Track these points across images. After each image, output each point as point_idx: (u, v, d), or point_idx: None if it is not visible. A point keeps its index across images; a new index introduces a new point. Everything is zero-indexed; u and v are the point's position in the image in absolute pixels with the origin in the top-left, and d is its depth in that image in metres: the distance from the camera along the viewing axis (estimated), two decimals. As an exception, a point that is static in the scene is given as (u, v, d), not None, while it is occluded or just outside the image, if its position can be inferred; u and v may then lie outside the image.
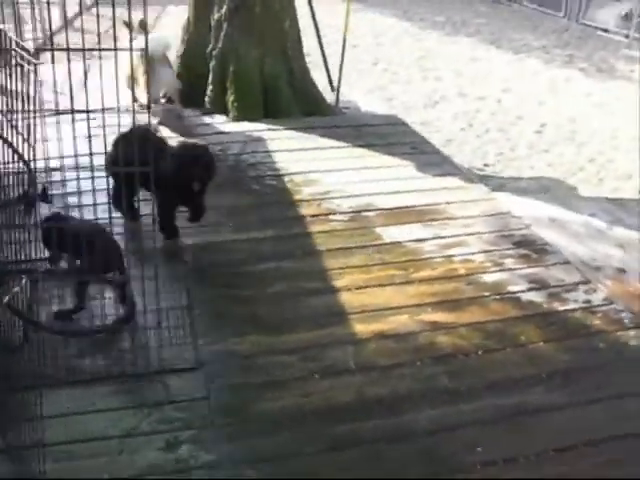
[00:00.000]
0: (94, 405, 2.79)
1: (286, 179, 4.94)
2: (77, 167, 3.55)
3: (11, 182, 4.65)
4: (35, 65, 2.79)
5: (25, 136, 3.73)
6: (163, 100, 6.08)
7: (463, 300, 3.55)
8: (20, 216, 3.59)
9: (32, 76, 3.27)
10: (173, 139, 5.52)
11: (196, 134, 5.66)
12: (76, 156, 3.41)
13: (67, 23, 7.17)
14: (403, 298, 3.55)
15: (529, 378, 3.00)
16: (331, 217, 4.39)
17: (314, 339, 3.22)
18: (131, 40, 5.35)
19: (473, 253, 3.99)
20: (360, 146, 5.53)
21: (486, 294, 3.60)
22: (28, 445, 2.51)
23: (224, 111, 6.03)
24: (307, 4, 6.52)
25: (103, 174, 3.59)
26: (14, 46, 3.00)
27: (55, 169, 4.18)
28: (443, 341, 3.22)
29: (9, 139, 4.44)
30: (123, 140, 3.81)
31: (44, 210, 3.74)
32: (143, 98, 6.01)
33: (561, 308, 3.52)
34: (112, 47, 5.98)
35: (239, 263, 3.87)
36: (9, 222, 3.49)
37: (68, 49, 4.88)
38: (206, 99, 6.09)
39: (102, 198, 3.43)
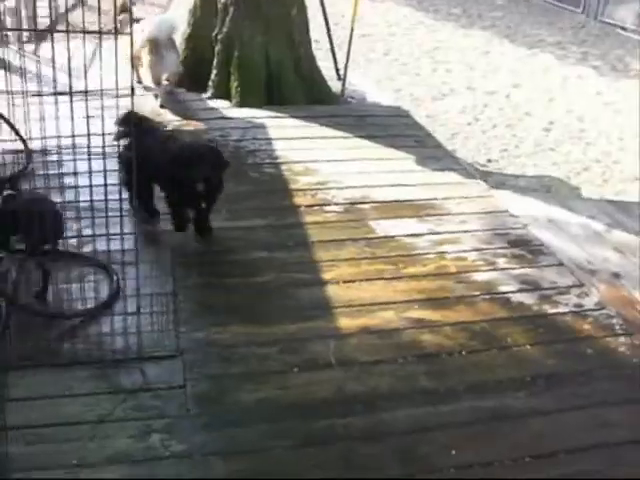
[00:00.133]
0: (71, 389, 2.78)
1: (284, 167, 4.89)
2: (74, 147, 3.54)
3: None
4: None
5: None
6: (166, 82, 6.03)
7: (452, 298, 3.50)
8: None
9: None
10: (175, 122, 5.52)
11: (197, 118, 5.64)
12: (73, 136, 3.40)
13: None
14: (391, 293, 3.51)
15: (512, 381, 2.96)
16: (325, 208, 4.35)
17: (297, 332, 3.19)
18: (131, 23, 5.34)
19: (466, 251, 3.94)
20: (362, 137, 5.47)
21: (476, 293, 3.55)
22: (-1, 427, 2.51)
23: (227, 96, 5.97)
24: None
25: (99, 155, 3.57)
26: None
27: (45, 151, 4.20)
28: (427, 339, 3.18)
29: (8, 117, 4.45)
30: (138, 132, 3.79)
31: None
32: (147, 80, 5.98)
33: (551, 311, 3.47)
34: (117, 28, 5.94)
35: (229, 251, 3.85)
36: None
37: (67, 31, 4.86)
38: (210, 83, 6.04)
39: (99, 179, 3.40)
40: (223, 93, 6.00)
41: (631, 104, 7.57)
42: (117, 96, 2.91)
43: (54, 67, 4.47)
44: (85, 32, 4.59)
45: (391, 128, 5.70)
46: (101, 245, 3.43)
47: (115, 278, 3.37)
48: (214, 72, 6.02)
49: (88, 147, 3.42)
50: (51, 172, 4.39)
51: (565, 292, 3.62)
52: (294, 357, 3.01)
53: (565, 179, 5.68)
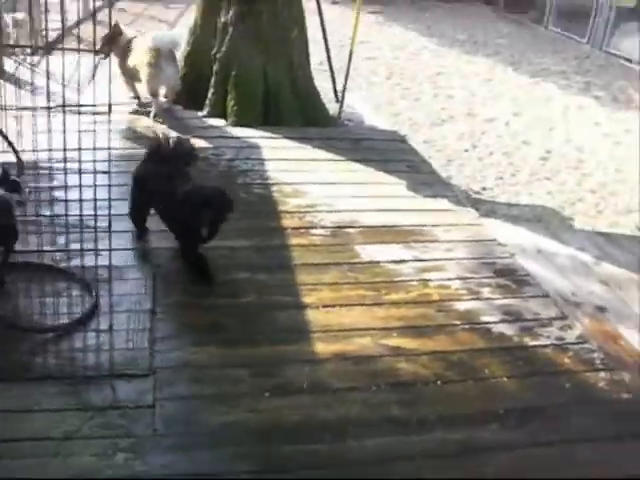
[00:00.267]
0: (40, 404, 2.76)
1: (274, 189, 4.90)
2: (65, 161, 3.55)
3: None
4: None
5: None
6: (164, 99, 6.07)
7: (431, 327, 3.48)
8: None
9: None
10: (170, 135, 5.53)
11: (191, 135, 5.64)
12: (65, 150, 3.41)
13: (65, 26, 7.21)
14: (370, 320, 3.49)
15: (484, 414, 2.92)
16: (312, 231, 4.34)
17: (272, 355, 3.17)
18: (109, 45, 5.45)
19: (450, 279, 3.92)
20: (355, 160, 5.48)
21: (456, 322, 3.53)
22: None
23: (224, 115, 6.01)
24: (317, 14, 6.48)
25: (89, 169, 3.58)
26: None
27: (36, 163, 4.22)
28: (403, 368, 3.16)
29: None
30: (153, 157, 3.95)
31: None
32: (145, 93, 6.03)
33: (532, 343, 3.44)
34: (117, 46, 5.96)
35: (211, 272, 3.83)
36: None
37: (63, 49, 4.88)
38: (207, 102, 6.07)
39: (89, 194, 3.41)
40: (220, 112, 6.03)
41: (631, 136, 7.57)
42: (95, 113, 2.87)
43: (48, 82, 4.50)
44: (80, 50, 4.66)
45: (386, 153, 5.72)
46: (86, 261, 3.42)
47: (93, 294, 3.37)
48: (211, 90, 6.06)
49: (79, 162, 3.45)
50: (41, 185, 4.45)
51: (547, 324, 3.59)
52: (267, 381, 2.99)
53: (558, 209, 5.66)
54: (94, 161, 3.70)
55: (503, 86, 9.28)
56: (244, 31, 5.88)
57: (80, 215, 3.69)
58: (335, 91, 6.84)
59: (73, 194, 3.60)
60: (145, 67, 5.67)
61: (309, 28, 6.34)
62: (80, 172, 3.62)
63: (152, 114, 5.85)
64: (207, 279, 3.67)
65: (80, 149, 3.42)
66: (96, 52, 5.67)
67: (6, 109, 4.32)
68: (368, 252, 4.14)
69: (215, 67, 6.02)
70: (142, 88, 6.05)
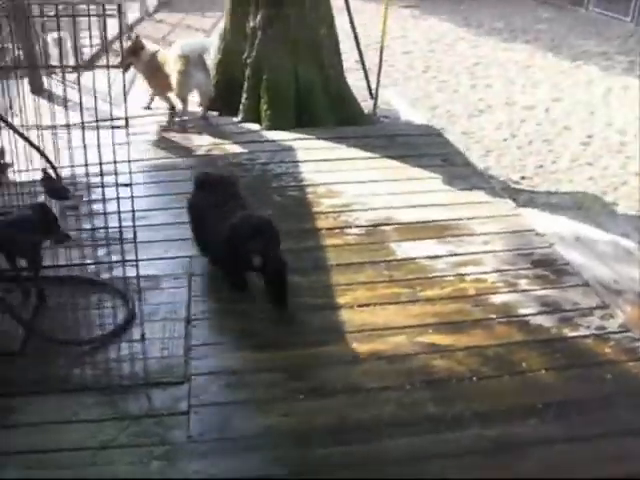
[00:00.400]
0: (77, 415, 2.81)
1: (309, 190, 4.90)
2: (102, 175, 3.62)
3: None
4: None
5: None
6: (198, 107, 6.14)
7: (467, 322, 3.43)
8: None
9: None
10: (205, 146, 5.60)
11: (226, 141, 5.70)
12: (101, 164, 3.48)
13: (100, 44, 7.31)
14: (405, 318, 3.46)
15: (522, 408, 2.87)
16: (347, 231, 4.33)
17: (305, 357, 3.17)
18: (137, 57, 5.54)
19: (487, 272, 3.87)
20: (390, 157, 5.44)
21: (492, 316, 3.47)
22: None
23: (258, 120, 6.03)
24: (346, 12, 6.46)
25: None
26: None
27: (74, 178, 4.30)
28: (438, 365, 3.12)
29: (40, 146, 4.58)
30: (205, 185, 3.93)
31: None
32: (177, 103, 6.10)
33: (571, 334, 3.36)
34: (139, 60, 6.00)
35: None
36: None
37: (93, 67, 4.94)
38: (241, 107, 6.11)
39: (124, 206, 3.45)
40: (254, 116, 6.05)
41: (677, 116, 7.36)
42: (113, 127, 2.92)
43: (81, 98, 4.58)
44: (109, 67, 4.74)
45: (421, 147, 5.66)
46: (123, 272, 3.47)
47: (130, 304, 3.42)
48: (244, 96, 6.09)
49: (115, 174, 3.48)
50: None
51: (587, 314, 3.51)
52: (300, 383, 2.99)
53: (600, 195, 5.53)
54: (130, 173, 3.77)
55: (542, 72, 9.11)
56: (273, 34, 5.89)
57: (106, 227, 3.79)
58: (369, 88, 6.81)
59: (108, 206, 3.69)
60: (175, 75, 5.74)
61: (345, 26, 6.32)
62: (117, 184, 3.66)
63: (167, 121, 5.93)
64: (280, 305, 3.52)
65: (115, 162, 3.45)
66: (114, 67, 5.77)
67: (41, 128, 4.41)
68: (403, 249, 4.11)
69: (247, 72, 6.05)
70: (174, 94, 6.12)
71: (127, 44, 5.90)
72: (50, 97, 6.00)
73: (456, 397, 2.94)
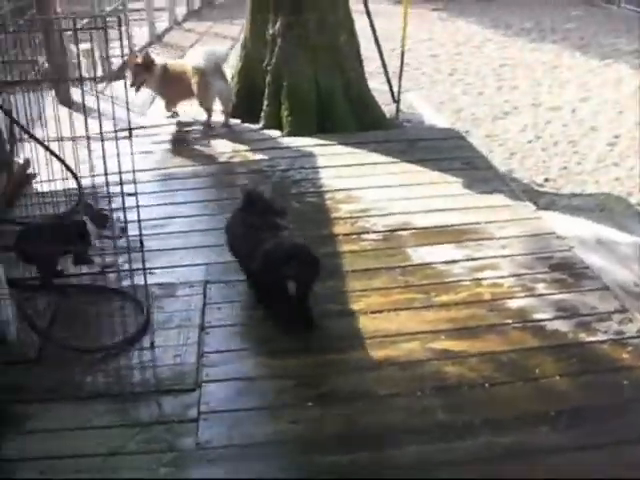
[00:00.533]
0: (90, 422, 2.85)
1: (327, 196, 4.90)
2: (121, 184, 3.66)
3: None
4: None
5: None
6: (222, 117, 6.20)
7: (481, 327, 3.40)
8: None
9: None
10: (226, 154, 5.63)
11: (247, 148, 5.73)
12: (120, 173, 3.52)
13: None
14: (418, 324, 3.44)
15: (534, 415, 2.82)
16: (363, 236, 4.32)
17: (316, 365, 3.17)
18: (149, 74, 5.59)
19: (503, 277, 3.82)
20: (410, 161, 5.42)
21: (507, 322, 3.43)
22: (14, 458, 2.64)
23: (279, 126, 6.06)
24: (366, 16, 6.45)
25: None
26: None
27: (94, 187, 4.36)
28: (449, 371, 3.10)
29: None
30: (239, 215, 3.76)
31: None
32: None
33: (588, 339, 3.30)
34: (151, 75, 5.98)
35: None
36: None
37: (109, 79, 5.02)
38: (262, 114, 6.14)
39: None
40: (275, 123, 6.08)
41: None
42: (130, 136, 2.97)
43: (99, 110, 4.63)
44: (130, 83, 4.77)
45: (442, 151, 5.63)
46: (140, 280, 3.50)
47: (144, 312, 3.46)
48: (265, 102, 6.13)
49: (134, 182, 3.51)
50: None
51: (606, 318, 3.45)
52: (310, 390, 2.99)
53: (625, 196, 5.43)
54: (134, 182, 3.79)
55: (570, 72, 9.00)
56: (292, 41, 5.93)
57: (120, 236, 3.83)
58: (392, 92, 6.79)
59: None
60: (195, 87, 5.79)
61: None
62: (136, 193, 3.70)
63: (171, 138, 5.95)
64: (307, 326, 3.43)
65: (134, 171, 3.48)
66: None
67: (63, 140, 4.48)
68: (419, 254, 4.08)
69: (267, 79, 6.09)
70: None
71: (135, 59, 5.96)
72: (77, 108, 6.13)
73: (467, 404, 2.91)
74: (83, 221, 3.69)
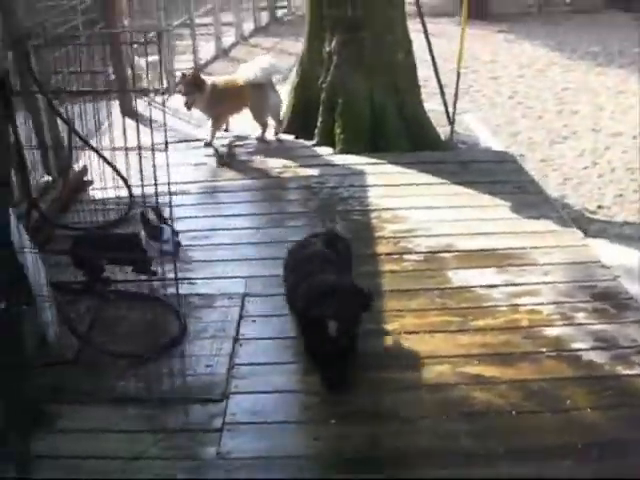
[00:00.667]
0: (117, 425, 2.93)
1: (373, 215, 4.91)
2: (170, 194, 3.76)
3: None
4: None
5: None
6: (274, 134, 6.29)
7: (515, 354, 3.35)
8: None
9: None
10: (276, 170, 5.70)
11: (298, 164, 5.79)
12: (169, 184, 3.61)
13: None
14: (451, 347, 3.41)
15: (560, 447, 2.76)
16: (405, 257, 4.31)
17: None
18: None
19: (542, 304, 3.76)
20: (460, 183, 5.37)
21: (542, 350, 3.37)
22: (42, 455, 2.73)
23: (332, 143, 6.09)
24: (424, 37, 6.45)
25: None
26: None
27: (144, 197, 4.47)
28: (478, 397, 3.06)
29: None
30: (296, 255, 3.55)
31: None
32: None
33: (624, 372, 3.22)
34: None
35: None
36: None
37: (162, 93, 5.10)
38: (316, 130, 6.20)
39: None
40: (329, 140, 6.11)
41: None
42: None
43: (151, 121, 4.75)
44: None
45: (494, 174, 5.56)
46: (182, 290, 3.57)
47: (182, 321, 3.53)
48: (320, 119, 6.17)
49: (169, 194, 3.60)
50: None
51: (645, 352, 3.36)
52: (334, 408, 3.00)
53: (681, 226, 5.28)
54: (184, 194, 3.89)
55: (635, 98, 8.77)
56: (348, 58, 5.97)
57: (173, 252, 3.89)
58: (447, 113, 6.76)
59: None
60: (250, 100, 5.90)
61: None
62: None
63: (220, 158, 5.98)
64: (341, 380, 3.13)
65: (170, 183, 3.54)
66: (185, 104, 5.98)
67: (115, 149, 4.62)
68: (460, 277, 4.05)
69: (322, 96, 6.14)
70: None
71: (183, 79, 6.05)
72: (141, 119, 6.31)
73: (492, 431, 2.87)
74: (137, 233, 3.76)
